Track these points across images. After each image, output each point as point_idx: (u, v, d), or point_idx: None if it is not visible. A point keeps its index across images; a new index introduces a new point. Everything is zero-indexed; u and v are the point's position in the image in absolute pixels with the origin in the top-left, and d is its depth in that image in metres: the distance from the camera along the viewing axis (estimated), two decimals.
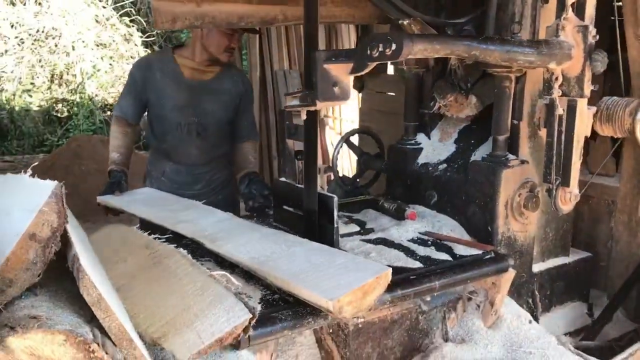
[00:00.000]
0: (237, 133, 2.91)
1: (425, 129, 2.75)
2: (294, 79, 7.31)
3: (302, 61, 7.41)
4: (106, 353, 1.05)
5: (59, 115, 9.38)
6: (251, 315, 1.38)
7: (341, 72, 2.02)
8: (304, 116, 2.16)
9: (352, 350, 1.98)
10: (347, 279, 1.63)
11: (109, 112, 9.57)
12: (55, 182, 1.18)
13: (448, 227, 2.43)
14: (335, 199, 2.19)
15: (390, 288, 1.88)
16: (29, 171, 1.42)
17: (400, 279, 1.93)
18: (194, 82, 2.75)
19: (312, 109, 2.10)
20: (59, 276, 1.38)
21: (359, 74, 1.98)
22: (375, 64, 1.92)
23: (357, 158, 3.14)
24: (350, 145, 3.12)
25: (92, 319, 1.19)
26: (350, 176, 3.29)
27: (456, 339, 2.20)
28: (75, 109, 9.39)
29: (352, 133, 3.12)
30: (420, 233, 2.37)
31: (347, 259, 1.82)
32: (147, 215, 2.33)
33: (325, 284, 1.61)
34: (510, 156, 2.34)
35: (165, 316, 1.42)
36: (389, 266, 2.02)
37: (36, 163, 2.53)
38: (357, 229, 2.45)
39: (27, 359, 1.00)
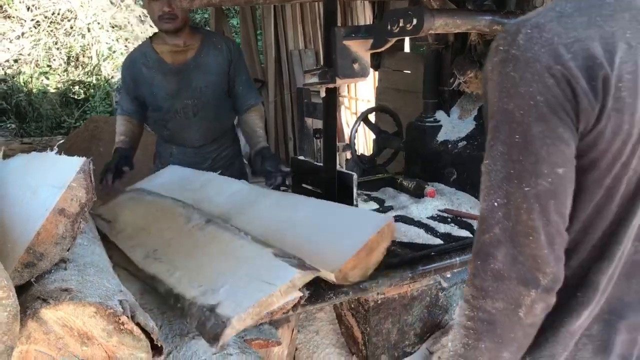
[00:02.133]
0: (236, 103, 2.81)
1: (445, 106, 2.74)
2: (309, 58, 7.28)
3: (318, 40, 7.40)
4: (137, 324, 1.07)
5: (75, 97, 9.44)
6: (313, 270, 1.37)
7: (361, 49, 2.01)
8: (323, 94, 2.15)
9: (372, 326, 2.00)
10: (349, 240, 1.62)
11: None
12: (84, 158, 1.20)
13: (467, 204, 2.43)
14: (355, 176, 2.20)
15: (411, 264, 1.90)
16: (55, 149, 1.44)
17: (421, 255, 1.94)
18: (178, 65, 2.68)
19: (331, 86, 2.10)
20: (87, 250, 1.40)
21: (378, 50, 1.97)
22: (395, 39, 1.91)
23: (374, 136, 3.13)
24: (368, 124, 3.12)
25: (120, 292, 1.21)
26: (367, 155, 3.29)
27: None
28: (92, 90, 9.44)
29: (370, 111, 3.12)
30: (439, 210, 2.37)
31: (349, 214, 1.82)
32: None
33: (329, 251, 1.60)
34: None
35: (211, 279, 1.42)
36: (409, 242, 2.06)
37: (61, 141, 2.56)
38: (376, 206, 2.46)
39: (60, 330, 1.02)
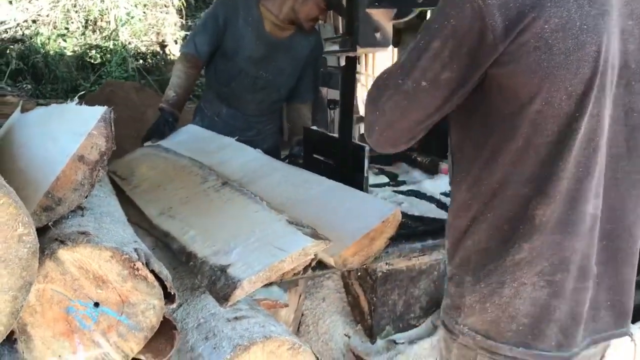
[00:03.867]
0: (294, 91, 2.86)
1: None
2: (329, 32, 7.19)
3: (336, 15, 7.36)
4: (151, 271, 1.09)
5: (92, 61, 9.43)
6: (326, 240, 1.37)
7: (384, 18, 2.00)
8: (342, 62, 2.14)
9: (378, 296, 2.01)
10: (352, 225, 1.61)
11: (141, 61, 9.61)
12: (105, 107, 1.20)
13: None
14: (367, 148, 2.19)
15: (422, 237, 1.90)
16: (76, 99, 1.45)
17: (432, 228, 1.94)
18: (273, 38, 2.68)
19: (351, 54, 2.09)
20: (103, 201, 1.42)
21: (402, 20, 1.96)
22: (419, 10, 1.90)
23: None
24: None
25: (135, 241, 1.22)
26: None
27: None
28: (108, 55, 9.43)
29: None
30: None
31: (357, 200, 1.79)
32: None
33: (331, 235, 1.53)
34: None
35: (224, 240, 1.43)
36: (420, 216, 2.06)
37: (81, 93, 2.57)
38: (387, 180, 2.46)
39: (76, 271, 1.04)
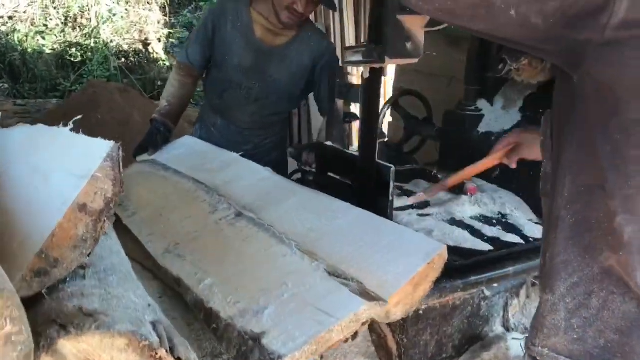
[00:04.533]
0: (321, 105, 2.62)
1: (487, 94, 2.50)
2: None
3: (329, 14, 7.12)
4: (177, 359, 0.85)
5: (72, 59, 9.09)
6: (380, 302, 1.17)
7: (416, 25, 1.77)
8: (366, 74, 1.92)
9: (409, 337, 1.79)
10: (393, 269, 1.37)
11: (123, 59, 9.28)
12: (111, 142, 0.96)
13: (511, 204, 2.22)
14: (393, 169, 1.98)
15: (462, 274, 1.69)
16: (70, 124, 1.20)
17: (472, 263, 1.73)
18: (264, 45, 2.48)
19: (377, 66, 1.87)
20: (103, 246, 1.18)
21: (437, 28, 1.74)
22: None
23: (404, 122, 2.90)
24: (397, 108, 2.88)
25: (149, 305, 0.99)
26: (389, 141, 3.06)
27: (518, 327, 2.01)
28: (90, 54, 9.09)
29: (399, 94, 2.88)
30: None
31: (395, 235, 1.55)
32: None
33: (370, 281, 1.34)
34: None
35: (251, 294, 1.21)
36: (455, 247, 1.84)
37: (54, 101, 2.33)
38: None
39: None
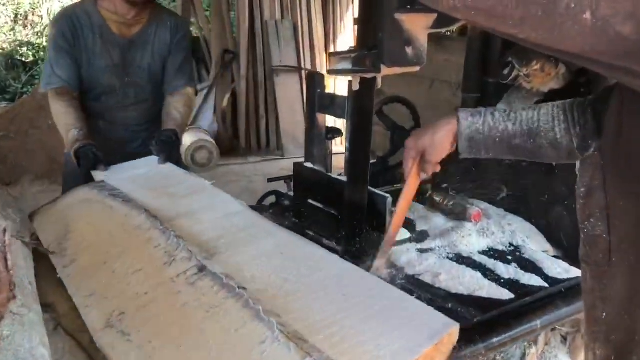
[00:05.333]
0: (164, 84, 2.50)
1: (488, 102, 2.19)
2: (287, 30, 6.64)
3: (296, 10, 6.78)
4: None
5: (23, 59, 8.54)
6: None
7: (418, 26, 1.43)
8: (356, 85, 1.58)
9: None
10: (390, 348, 1.04)
11: None
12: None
13: (522, 232, 1.91)
14: (389, 199, 1.65)
15: (483, 333, 1.37)
16: None
17: (494, 319, 1.41)
18: (124, 39, 2.37)
19: (370, 76, 1.53)
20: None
21: (445, 29, 1.41)
22: None
23: (389, 132, 2.57)
24: (382, 117, 2.55)
25: None
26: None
27: None
28: (41, 53, 8.54)
29: (385, 102, 2.55)
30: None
31: (391, 299, 1.24)
32: (142, 202, 1.75)
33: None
34: None
35: None
36: (470, 296, 1.52)
37: None
38: (408, 234, 1.91)
39: None
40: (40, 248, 1.51)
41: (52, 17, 8.63)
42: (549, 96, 2.07)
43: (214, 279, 1.22)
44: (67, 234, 1.62)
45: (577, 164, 1.06)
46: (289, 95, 6.57)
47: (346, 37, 6.90)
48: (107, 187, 1.91)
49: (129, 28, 2.37)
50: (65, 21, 2.31)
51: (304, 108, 6.58)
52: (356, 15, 6.94)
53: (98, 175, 2.11)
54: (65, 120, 2.27)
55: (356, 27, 6.92)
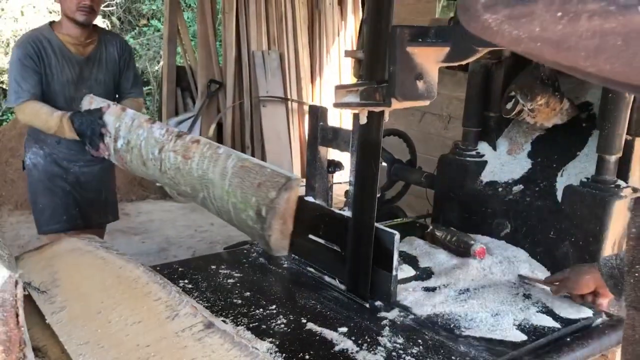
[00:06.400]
0: (118, 93, 2.75)
1: (488, 136, 2.16)
2: (273, 60, 6.64)
3: (283, 41, 6.80)
4: None
5: (4, 87, 8.39)
6: None
7: (429, 60, 1.40)
8: (364, 119, 1.53)
9: None
10: None
11: None
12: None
13: (527, 267, 1.86)
14: (397, 236, 1.59)
15: None
16: None
17: None
18: (81, 57, 2.60)
19: (379, 109, 1.49)
20: None
21: (463, 62, 1.38)
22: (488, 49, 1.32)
23: (387, 166, 2.53)
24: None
25: None
26: None
27: None
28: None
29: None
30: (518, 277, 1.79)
31: None
32: None
33: None
34: (622, 183, 1.77)
35: None
36: (482, 337, 1.46)
37: None
38: (412, 271, 1.85)
39: None
40: (29, 288, 1.42)
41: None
42: (551, 131, 2.06)
43: (223, 336, 1.14)
44: (54, 280, 1.52)
45: (630, 203, 1.01)
46: (276, 126, 6.53)
47: (332, 69, 6.92)
48: (96, 239, 1.82)
49: (84, 48, 2.60)
50: (29, 43, 2.49)
51: (290, 138, 6.54)
52: (342, 48, 6.97)
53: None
54: (45, 109, 2.43)
55: (343, 58, 6.96)
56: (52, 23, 2.63)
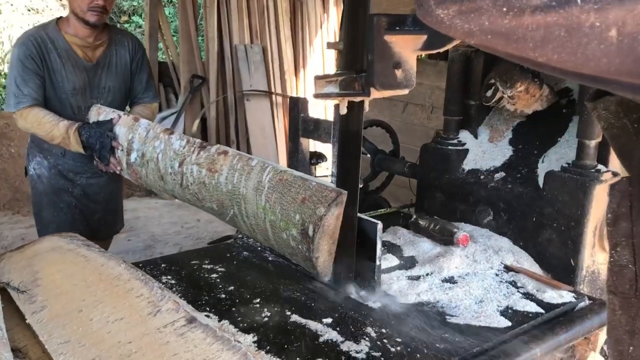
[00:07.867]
0: (130, 99, 2.58)
1: (470, 124, 2.17)
2: (256, 54, 6.61)
3: (265, 34, 6.77)
4: None
5: None
6: None
7: (407, 49, 1.40)
8: (344, 110, 1.53)
9: None
10: None
11: None
12: None
13: (510, 254, 1.88)
14: (380, 225, 1.59)
15: None
16: None
17: (493, 349, 1.35)
18: (90, 63, 2.40)
19: (359, 99, 1.48)
20: None
21: (438, 50, 1.37)
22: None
23: (370, 157, 2.53)
24: (363, 141, 2.51)
25: None
26: None
27: None
28: (2, 80, 8.31)
29: (364, 126, 2.51)
30: (503, 268, 1.80)
31: None
32: None
33: None
34: (602, 167, 1.79)
35: None
36: (468, 325, 1.46)
37: None
38: (396, 260, 1.85)
39: None
40: (9, 288, 1.40)
41: (12, 43, 8.45)
42: (531, 117, 2.07)
43: (205, 331, 1.14)
44: (35, 280, 1.51)
45: (608, 189, 1.01)
46: (260, 120, 6.51)
47: (315, 61, 6.90)
48: (78, 237, 1.80)
49: (93, 52, 2.40)
50: (32, 42, 2.29)
51: (275, 132, 6.53)
52: (325, 40, 6.95)
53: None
54: (48, 118, 2.26)
55: (326, 51, 6.94)
56: (58, 20, 2.40)
